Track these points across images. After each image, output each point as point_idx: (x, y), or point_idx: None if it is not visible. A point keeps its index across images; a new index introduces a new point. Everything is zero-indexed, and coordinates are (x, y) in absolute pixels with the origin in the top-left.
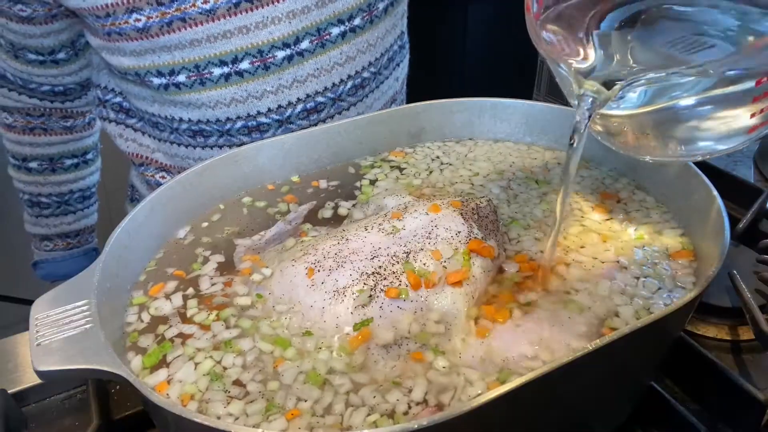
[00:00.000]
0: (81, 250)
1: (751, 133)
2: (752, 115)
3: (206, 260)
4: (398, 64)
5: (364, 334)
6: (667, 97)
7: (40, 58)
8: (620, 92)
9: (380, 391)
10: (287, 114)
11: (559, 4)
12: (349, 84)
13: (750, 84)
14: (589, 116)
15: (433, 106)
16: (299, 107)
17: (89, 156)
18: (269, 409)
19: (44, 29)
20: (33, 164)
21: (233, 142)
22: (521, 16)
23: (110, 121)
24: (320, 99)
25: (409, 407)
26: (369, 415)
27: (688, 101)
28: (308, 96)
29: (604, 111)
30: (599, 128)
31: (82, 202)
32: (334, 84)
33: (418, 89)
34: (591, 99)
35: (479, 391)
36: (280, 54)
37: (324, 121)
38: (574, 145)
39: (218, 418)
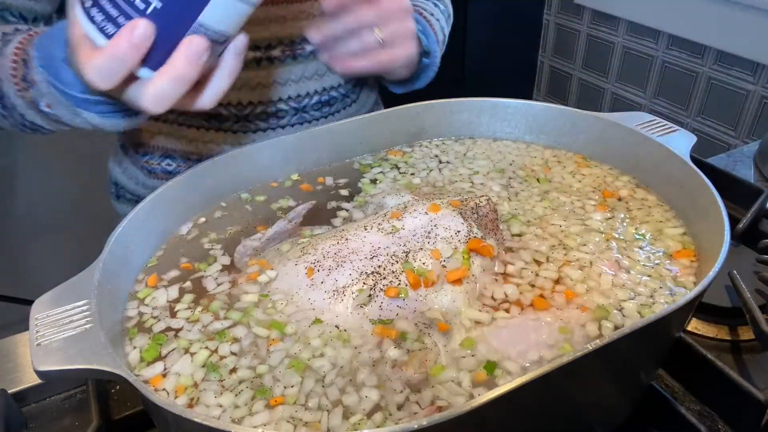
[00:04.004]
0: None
1: None
2: None
3: (210, 260)
4: None
5: (384, 330)
6: None
7: None
8: None
9: (377, 389)
10: (304, 104)
11: None
12: (349, 86)
13: None
14: None
15: (433, 106)
16: (315, 99)
17: None
18: (254, 398)
19: None
20: None
21: (248, 128)
22: (521, 16)
23: None
24: (333, 93)
25: (405, 403)
26: (374, 413)
27: None
28: (324, 89)
29: None
30: None
31: None
32: (347, 81)
33: (418, 89)
34: None
35: (477, 390)
36: (309, 47)
37: (333, 114)
38: None
39: (207, 407)
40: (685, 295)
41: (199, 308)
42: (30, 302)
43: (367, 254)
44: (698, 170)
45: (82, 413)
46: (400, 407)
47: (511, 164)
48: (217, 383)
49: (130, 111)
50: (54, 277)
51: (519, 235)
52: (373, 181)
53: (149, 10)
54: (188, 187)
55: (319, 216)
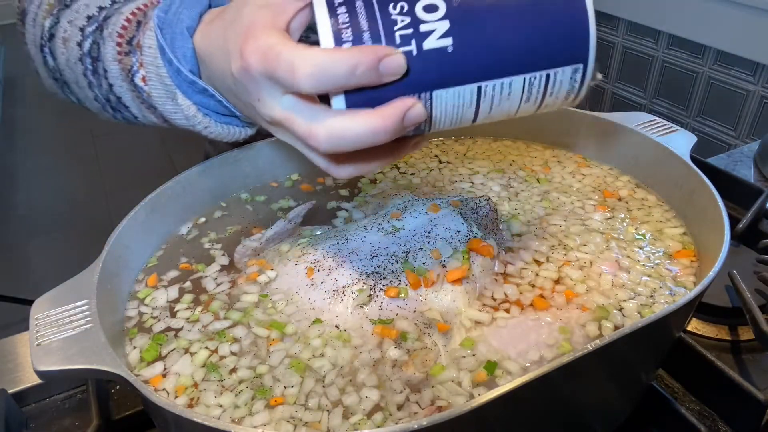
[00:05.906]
0: None
1: None
2: None
3: (209, 260)
4: None
5: (384, 330)
6: None
7: None
8: None
9: (377, 389)
10: None
11: None
12: None
13: None
14: None
15: None
16: None
17: None
18: (254, 398)
19: None
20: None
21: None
22: None
23: None
24: None
25: (405, 403)
26: (374, 413)
27: None
28: None
29: None
30: None
31: None
32: None
33: None
34: None
35: (477, 390)
36: None
37: None
38: None
39: (207, 407)
40: (685, 295)
41: (199, 308)
42: (30, 302)
43: (367, 254)
44: (698, 170)
45: (82, 413)
46: (400, 407)
47: (511, 164)
48: (217, 383)
49: (231, 119)
50: (54, 277)
51: (519, 235)
52: (373, 181)
53: (402, 49)
54: (188, 187)
55: (319, 216)
